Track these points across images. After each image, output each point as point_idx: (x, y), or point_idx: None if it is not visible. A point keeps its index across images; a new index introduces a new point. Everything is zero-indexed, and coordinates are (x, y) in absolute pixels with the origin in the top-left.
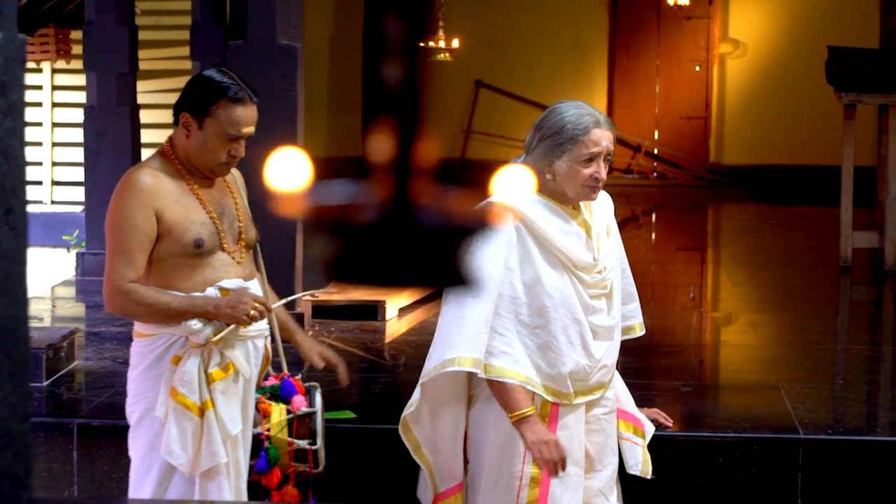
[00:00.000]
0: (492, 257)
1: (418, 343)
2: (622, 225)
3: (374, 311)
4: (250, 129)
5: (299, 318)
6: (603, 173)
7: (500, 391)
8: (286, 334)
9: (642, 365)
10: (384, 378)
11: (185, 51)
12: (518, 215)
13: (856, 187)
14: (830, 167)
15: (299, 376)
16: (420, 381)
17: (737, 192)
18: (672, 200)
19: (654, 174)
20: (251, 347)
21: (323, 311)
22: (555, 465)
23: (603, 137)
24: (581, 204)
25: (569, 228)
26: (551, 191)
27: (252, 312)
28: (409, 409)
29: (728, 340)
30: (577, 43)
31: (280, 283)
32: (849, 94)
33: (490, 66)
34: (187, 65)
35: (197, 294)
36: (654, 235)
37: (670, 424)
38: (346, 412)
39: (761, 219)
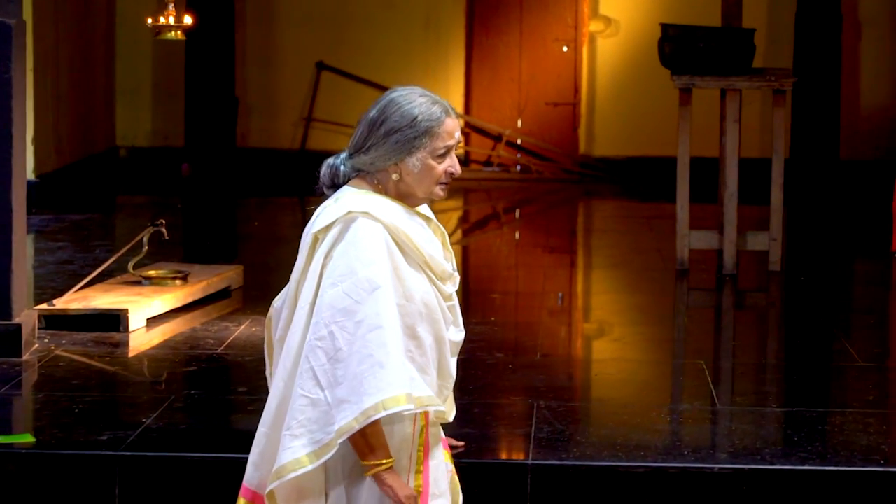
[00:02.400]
0: (380, 265)
1: (160, 357)
2: (481, 223)
3: (115, 321)
4: None
5: (17, 330)
6: (458, 167)
7: (368, 432)
8: None
9: None
10: (91, 396)
11: None
12: (381, 222)
13: (704, 181)
14: (705, 158)
15: None
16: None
17: (608, 186)
18: (537, 196)
19: (517, 167)
20: None
21: (57, 321)
22: None
23: (455, 127)
24: (418, 208)
25: (427, 235)
26: (398, 193)
27: None
28: (292, 474)
29: (501, 357)
30: (430, 20)
31: None
32: (681, 77)
33: (333, 46)
34: None
35: None
36: (517, 235)
37: (461, 444)
38: (26, 435)
39: (619, 216)
